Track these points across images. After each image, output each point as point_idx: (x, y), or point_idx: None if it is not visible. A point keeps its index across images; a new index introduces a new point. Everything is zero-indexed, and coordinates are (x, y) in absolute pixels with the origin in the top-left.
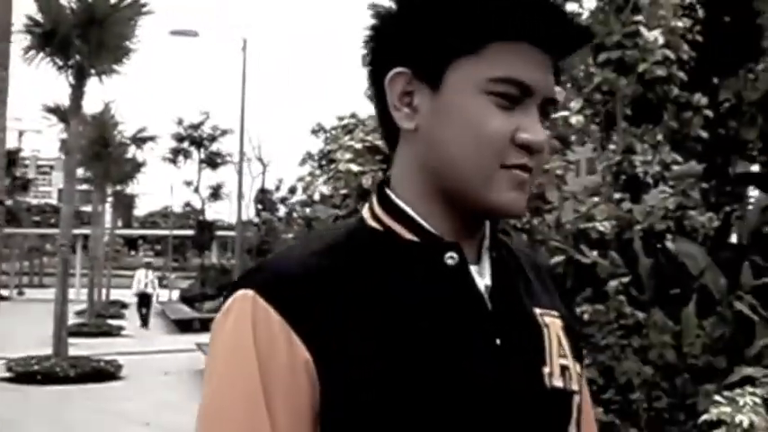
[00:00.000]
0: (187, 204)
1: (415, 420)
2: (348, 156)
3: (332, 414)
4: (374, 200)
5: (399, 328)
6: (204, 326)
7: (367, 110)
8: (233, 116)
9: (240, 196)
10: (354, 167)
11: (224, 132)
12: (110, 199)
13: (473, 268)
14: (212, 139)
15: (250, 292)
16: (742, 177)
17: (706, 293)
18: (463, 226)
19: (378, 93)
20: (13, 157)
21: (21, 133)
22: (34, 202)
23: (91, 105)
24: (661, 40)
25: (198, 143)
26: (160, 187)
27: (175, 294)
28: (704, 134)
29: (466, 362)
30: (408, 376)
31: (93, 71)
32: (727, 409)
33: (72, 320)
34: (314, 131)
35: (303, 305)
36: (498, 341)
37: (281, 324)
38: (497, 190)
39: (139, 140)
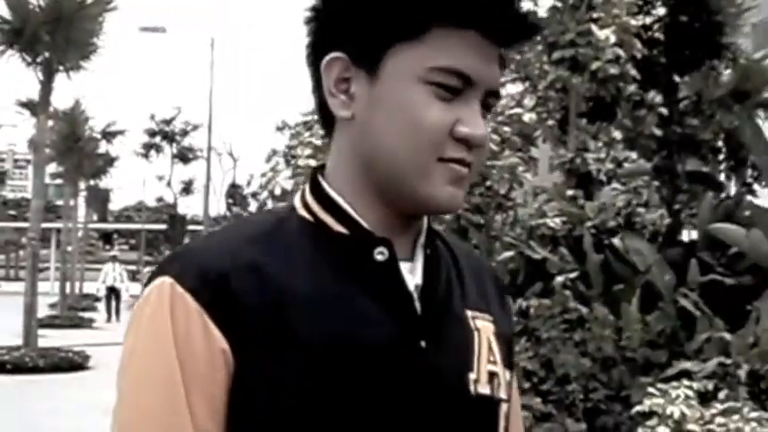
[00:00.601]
0: (160, 199)
1: (332, 422)
2: (308, 152)
3: (247, 407)
4: (306, 188)
5: (324, 324)
6: None
7: None
8: (204, 112)
9: (208, 191)
10: (314, 163)
11: (195, 127)
12: (83, 193)
13: (405, 265)
14: (184, 133)
15: (168, 280)
16: (693, 176)
17: (651, 289)
18: (397, 220)
19: (315, 77)
20: None
21: None
22: (10, 195)
23: (63, 101)
24: (613, 39)
25: (170, 138)
26: (133, 182)
27: None
28: (658, 132)
29: (388, 365)
30: (330, 376)
31: (61, 67)
32: (660, 401)
33: (45, 313)
34: (279, 128)
35: (221, 293)
36: (423, 344)
37: (199, 312)
38: (433, 184)
39: (109, 135)
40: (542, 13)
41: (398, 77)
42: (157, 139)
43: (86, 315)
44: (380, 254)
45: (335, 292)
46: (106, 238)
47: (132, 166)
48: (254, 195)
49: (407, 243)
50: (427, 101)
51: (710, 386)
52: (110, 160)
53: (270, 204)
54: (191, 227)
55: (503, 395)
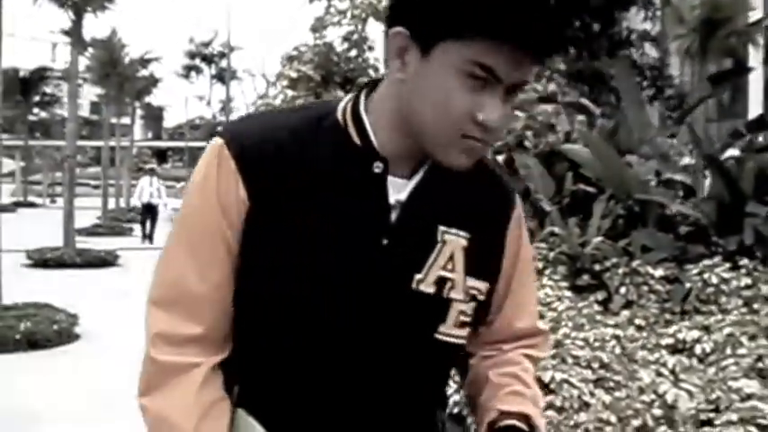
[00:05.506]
0: (201, 118)
1: (300, 275)
2: (285, 83)
3: (251, 248)
4: (352, 100)
5: (311, 215)
6: None
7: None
8: (240, 36)
9: (228, 111)
10: (290, 92)
11: (233, 50)
12: (139, 111)
13: (401, 182)
14: (222, 56)
15: (220, 141)
16: (572, 105)
17: (534, 198)
18: (410, 148)
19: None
20: (42, 75)
21: (54, 45)
22: (66, 114)
23: (102, 31)
24: None
25: (208, 60)
26: (176, 102)
27: None
28: (563, 67)
29: (353, 250)
30: (306, 243)
31: (88, 8)
32: None
33: (90, 222)
34: (288, 58)
35: (253, 164)
36: (385, 241)
37: (235, 172)
38: (449, 153)
39: (146, 61)
40: None
41: (443, 64)
42: (197, 61)
43: (127, 225)
44: (377, 167)
45: (336, 187)
46: (160, 155)
47: (174, 87)
48: None
49: (412, 165)
50: (458, 88)
51: (540, 265)
52: (153, 81)
53: None
54: None
55: (456, 296)
